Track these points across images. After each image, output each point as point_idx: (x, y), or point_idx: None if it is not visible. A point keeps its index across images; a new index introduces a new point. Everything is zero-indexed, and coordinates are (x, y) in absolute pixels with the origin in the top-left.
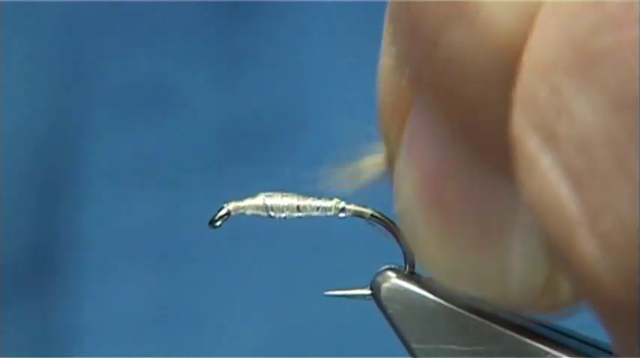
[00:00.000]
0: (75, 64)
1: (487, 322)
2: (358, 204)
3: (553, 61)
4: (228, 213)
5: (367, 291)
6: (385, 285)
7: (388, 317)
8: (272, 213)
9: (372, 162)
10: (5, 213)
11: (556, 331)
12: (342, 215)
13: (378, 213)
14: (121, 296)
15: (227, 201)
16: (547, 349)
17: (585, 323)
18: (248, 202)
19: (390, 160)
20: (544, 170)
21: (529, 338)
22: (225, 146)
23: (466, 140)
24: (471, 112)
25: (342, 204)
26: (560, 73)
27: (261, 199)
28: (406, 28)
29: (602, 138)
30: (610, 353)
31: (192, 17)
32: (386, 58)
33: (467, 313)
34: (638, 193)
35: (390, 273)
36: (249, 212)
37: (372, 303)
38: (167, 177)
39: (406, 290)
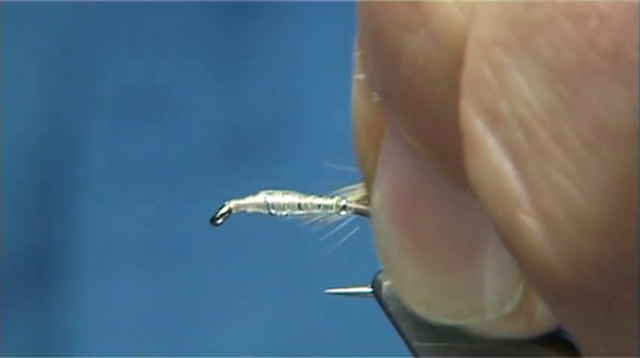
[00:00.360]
0: (73, 67)
1: None
2: (360, 202)
3: (493, 39)
4: (229, 211)
5: (368, 289)
6: (386, 283)
7: (389, 316)
8: (273, 211)
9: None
10: (4, 215)
11: (558, 330)
12: (343, 213)
13: None
14: (120, 298)
15: (228, 199)
16: (549, 348)
17: None
18: (249, 200)
19: (366, 181)
20: (489, 151)
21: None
22: (225, 149)
23: (435, 155)
24: (437, 124)
25: (344, 202)
26: (500, 49)
27: (262, 197)
28: (369, 47)
29: (539, 112)
30: None
31: (191, 20)
32: (356, 83)
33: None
34: (575, 165)
35: None
36: (250, 210)
37: (374, 301)
38: (167, 179)
39: None
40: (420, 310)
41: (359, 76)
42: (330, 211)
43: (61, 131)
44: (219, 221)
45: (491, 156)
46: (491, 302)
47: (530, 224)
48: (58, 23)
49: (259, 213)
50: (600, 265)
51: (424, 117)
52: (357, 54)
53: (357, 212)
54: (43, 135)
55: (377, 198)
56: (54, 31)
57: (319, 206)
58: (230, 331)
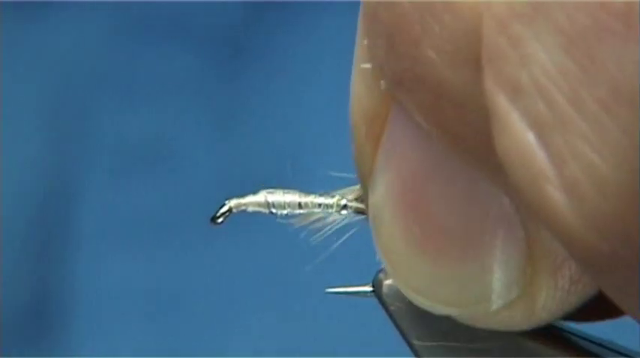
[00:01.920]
0: (69, 120)
1: None
2: (360, 201)
3: (508, 11)
4: (229, 210)
5: (369, 288)
6: (387, 282)
7: (390, 315)
8: (273, 210)
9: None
10: (4, 266)
11: (557, 329)
12: (343, 212)
13: None
14: (117, 349)
15: (229, 198)
16: (549, 345)
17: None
18: (250, 199)
19: (363, 178)
20: (513, 123)
21: (530, 335)
22: (223, 198)
23: (453, 138)
24: (457, 106)
25: (344, 201)
26: (516, 21)
27: (262, 196)
28: (383, 34)
29: (557, 79)
30: (610, 349)
31: (187, 70)
32: (358, 75)
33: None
34: (595, 131)
35: None
36: (250, 209)
37: (374, 300)
38: (164, 230)
39: None
40: (425, 302)
41: (364, 65)
42: (330, 210)
43: (59, 183)
44: (220, 220)
45: (516, 128)
46: (498, 289)
47: (556, 196)
48: (54, 75)
49: (260, 212)
50: (625, 231)
51: (443, 100)
52: (361, 43)
53: (358, 211)
54: (41, 188)
55: (380, 187)
56: (50, 84)
57: (320, 205)
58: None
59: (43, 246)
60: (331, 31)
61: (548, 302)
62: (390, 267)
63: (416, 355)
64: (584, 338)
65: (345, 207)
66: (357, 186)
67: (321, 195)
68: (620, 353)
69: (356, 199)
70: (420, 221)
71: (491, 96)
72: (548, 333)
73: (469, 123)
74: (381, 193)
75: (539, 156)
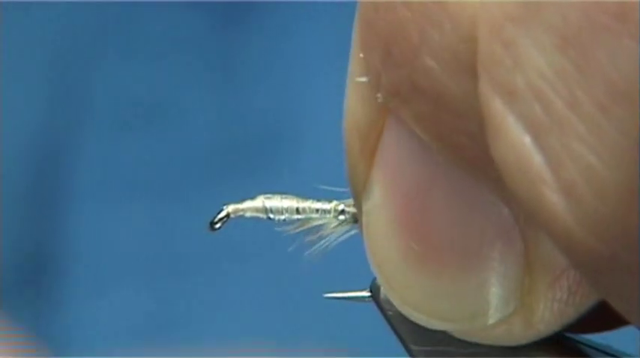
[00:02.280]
0: (67, 79)
1: None
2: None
3: (501, 15)
4: (227, 216)
5: (366, 293)
6: None
7: (387, 319)
8: (271, 215)
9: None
10: (2, 224)
11: (555, 333)
12: (341, 217)
13: None
14: (114, 309)
15: (226, 203)
16: (545, 351)
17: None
18: (247, 204)
19: (357, 194)
20: (509, 127)
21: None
22: (220, 159)
23: (452, 148)
24: (456, 115)
25: (342, 207)
26: (509, 24)
27: (260, 201)
28: (380, 46)
29: (553, 80)
30: (606, 353)
31: (184, 30)
32: (353, 89)
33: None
34: (592, 132)
35: None
36: (248, 214)
37: (372, 305)
38: (161, 189)
39: None
40: (421, 318)
41: (359, 79)
42: (328, 215)
43: (58, 140)
44: (218, 225)
45: (512, 132)
46: (496, 303)
47: (554, 198)
48: (54, 32)
49: (257, 218)
50: (625, 233)
51: (443, 110)
52: (356, 57)
53: (355, 216)
54: (41, 145)
55: (375, 202)
56: (49, 42)
57: (317, 210)
58: (227, 338)
59: (44, 200)
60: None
61: (546, 314)
62: (385, 282)
63: None
64: (582, 343)
65: (342, 212)
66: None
67: (318, 200)
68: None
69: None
70: (419, 235)
71: (486, 101)
72: (546, 338)
73: (469, 133)
74: (375, 208)
75: (536, 160)
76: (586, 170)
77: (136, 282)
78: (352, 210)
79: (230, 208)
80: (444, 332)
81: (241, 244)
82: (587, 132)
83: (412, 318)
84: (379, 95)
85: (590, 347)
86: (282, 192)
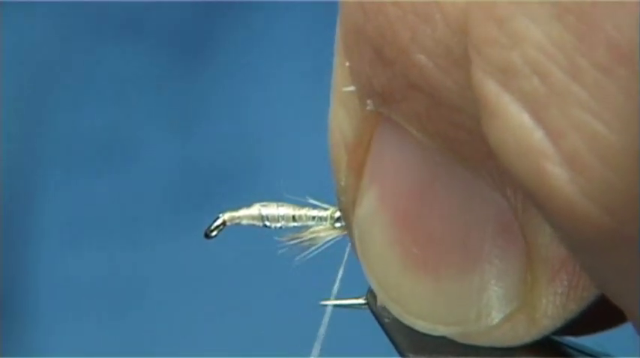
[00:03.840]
0: (26, 117)
1: None
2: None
3: None
4: (223, 224)
5: (363, 301)
6: None
7: (383, 327)
8: (267, 223)
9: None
10: None
11: (552, 340)
12: (337, 224)
13: None
14: (77, 340)
15: (223, 211)
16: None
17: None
18: (243, 212)
19: (347, 209)
20: (505, 108)
21: (524, 348)
22: (179, 195)
23: (447, 144)
24: (453, 110)
25: (338, 214)
26: (503, 2)
27: (256, 209)
28: (367, 49)
29: (551, 51)
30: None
31: (144, 66)
32: (338, 102)
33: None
34: (595, 96)
35: None
36: (244, 222)
37: (368, 313)
38: (120, 226)
39: None
40: (425, 325)
41: (346, 89)
42: (324, 223)
43: (18, 179)
44: (214, 233)
45: (509, 112)
46: (499, 301)
47: (556, 172)
48: (11, 73)
49: (253, 225)
50: (631, 202)
51: (439, 106)
52: (340, 67)
53: None
54: (0, 185)
55: (368, 212)
56: (7, 82)
57: (313, 218)
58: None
59: (4, 241)
60: (285, 30)
61: (549, 309)
62: (385, 294)
63: None
64: (577, 350)
65: (339, 219)
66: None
67: (314, 207)
68: None
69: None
70: (419, 239)
71: (480, 85)
72: (543, 345)
73: (466, 126)
74: (369, 218)
75: (536, 135)
76: (590, 137)
77: (98, 318)
78: None
79: (226, 216)
80: (441, 340)
81: (206, 277)
82: (590, 97)
83: (416, 327)
84: (369, 102)
85: (579, 351)
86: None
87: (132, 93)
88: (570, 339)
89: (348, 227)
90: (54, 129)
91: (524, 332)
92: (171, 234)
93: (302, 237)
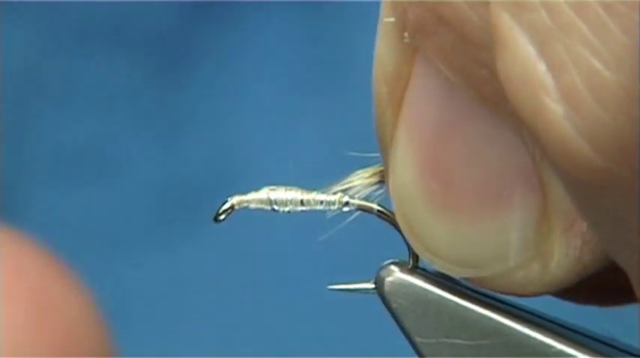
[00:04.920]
0: (5, 129)
1: (491, 315)
2: (362, 198)
3: None
4: (232, 207)
5: (371, 285)
6: (389, 279)
7: (392, 312)
8: (276, 207)
9: (362, 176)
10: None
11: (560, 325)
12: (346, 209)
13: (383, 206)
14: None
15: (231, 195)
16: (551, 342)
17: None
18: (252, 196)
19: (385, 143)
20: (515, 39)
21: (533, 331)
22: (162, 207)
23: (471, 82)
24: (480, 45)
25: (346, 198)
26: None
27: (265, 193)
28: None
29: None
30: (612, 346)
31: (127, 78)
32: (381, 35)
33: (471, 306)
34: (597, 33)
35: (394, 267)
36: (253, 206)
37: (376, 297)
38: (102, 239)
39: (410, 285)
40: (443, 265)
41: (387, 20)
42: (332, 207)
43: None
44: (222, 217)
45: (518, 44)
46: (516, 246)
47: (553, 106)
48: None
49: (262, 209)
50: (622, 144)
51: (465, 41)
52: (386, 1)
53: (360, 208)
54: None
55: (402, 146)
56: None
57: (322, 202)
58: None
59: None
60: (269, 35)
61: (562, 259)
62: (408, 229)
63: (418, 352)
64: (586, 335)
65: (347, 204)
66: (362, 171)
67: (323, 191)
68: (625, 352)
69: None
70: (441, 176)
71: (496, 17)
72: (551, 328)
73: (488, 64)
74: (402, 151)
75: (539, 68)
76: (587, 73)
77: None
78: (356, 202)
79: (234, 199)
80: (449, 324)
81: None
82: (592, 33)
83: (434, 265)
84: (405, 34)
85: (587, 336)
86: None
87: (114, 103)
88: (577, 325)
89: (384, 162)
90: (34, 141)
91: (537, 282)
92: (156, 245)
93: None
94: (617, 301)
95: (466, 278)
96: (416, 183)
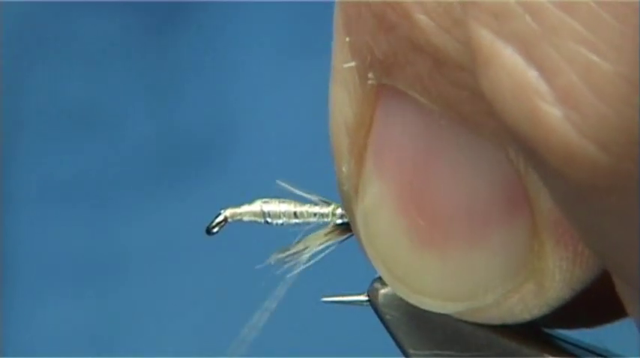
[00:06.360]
0: (3, 85)
1: (483, 328)
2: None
3: None
4: (225, 220)
5: (364, 297)
6: (382, 291)
7: (385, 324)
8: (269, 220)
9: (316, 234)
10: None
11: (553, 337)
12: (339, 221)
13: None
14: (53, 312)
15: (224, 208)
16: (543, 354)
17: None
18: (245, 208)
19: (349, 197)
20: (499, 52)
21: (525, 344)
22: (158, 162)
23: (451, 106)
24: (458, 71)
25: (340, 210)
26: None
27: (258, 205)
28: (370, 17)
29: None
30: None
31: (123, 33)
32: (338, 82)
33: (463, 319)
34: (589, 26)
35: None
36: (246, 218)
37: (370, 309)
38: (98, 193)
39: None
40: (434, 304)
41: (347, 65)
42: (326, 219)
43: None
44: (215, 230)
45: (502, 57)
46: (508, 272)
47: (550, 111)
48: None
49: (255, 222)
50: (626, 137)
51: (442, 66)
52: (339, 44)
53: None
54: None
55: (373, 191)
56: None
57: (315, 214)
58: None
59: None
60: None
61: (557, 273)
62: (392, 275)
63: None
64: (580, 347)
65: (341, 216)
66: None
67: (316, 204)
68: None
69: None
70: (425, 211)
71: (475, 36)
72: (543, 341)
73: (470, 86)
74: (375, 197)
75: (530, 75)
76: (585, 70)
77: (74, 289)
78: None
79: (228, 212)
80: (442, 336)
81: (187, 248)
82: (584, 27)
83: (424, 306)
84: (370, 75)
85: (580, 347)
86: (225, 193)
87: (109, 62)
88: (571, 335)
89: (350, 215)
90: (29, 97)
91: (533, 303)
92: (151, 203)
93: (295, 250)
94: (606, 319)
95: (458, 313)
96: (398, 224)
